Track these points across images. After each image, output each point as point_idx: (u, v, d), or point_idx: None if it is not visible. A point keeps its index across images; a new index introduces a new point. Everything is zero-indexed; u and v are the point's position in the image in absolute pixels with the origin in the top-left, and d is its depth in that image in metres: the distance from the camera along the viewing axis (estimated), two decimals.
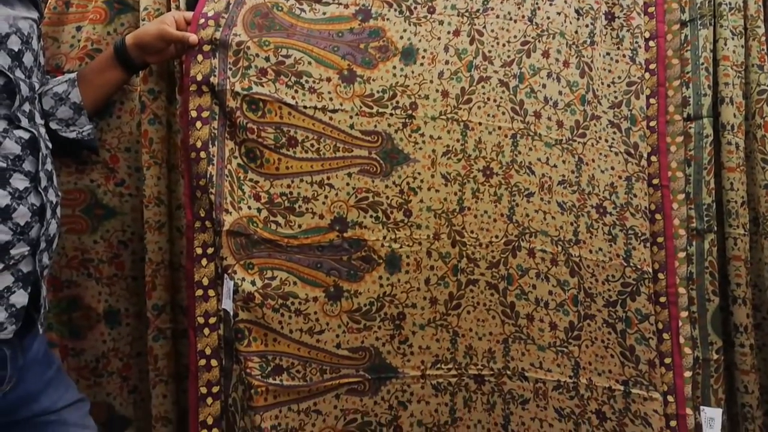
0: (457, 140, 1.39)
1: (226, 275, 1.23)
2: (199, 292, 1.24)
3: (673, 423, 1.39)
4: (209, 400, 1.24)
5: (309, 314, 1.28)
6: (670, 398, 1.39)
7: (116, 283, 1.37)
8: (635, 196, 1.42)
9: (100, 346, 1.37)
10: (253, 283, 1.23)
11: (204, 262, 1.25)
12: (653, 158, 1.45)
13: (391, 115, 1.34)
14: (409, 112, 1.35)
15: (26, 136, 0.96)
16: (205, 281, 1.24)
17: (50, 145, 1.04)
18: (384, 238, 1.34)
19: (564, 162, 1.43)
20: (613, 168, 1.44)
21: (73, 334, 1.37)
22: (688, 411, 1.39)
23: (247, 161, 1.26)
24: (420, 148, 1.36)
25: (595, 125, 1.45)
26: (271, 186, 1.27)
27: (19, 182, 0.94)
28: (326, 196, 1.31)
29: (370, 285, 1.34)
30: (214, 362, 1.24)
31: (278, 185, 1.28)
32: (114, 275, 1.37)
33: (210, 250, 1.24)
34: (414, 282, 1.37)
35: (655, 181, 1.45)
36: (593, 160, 1.44)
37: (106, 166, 1.37)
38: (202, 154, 1.22)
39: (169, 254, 1.37)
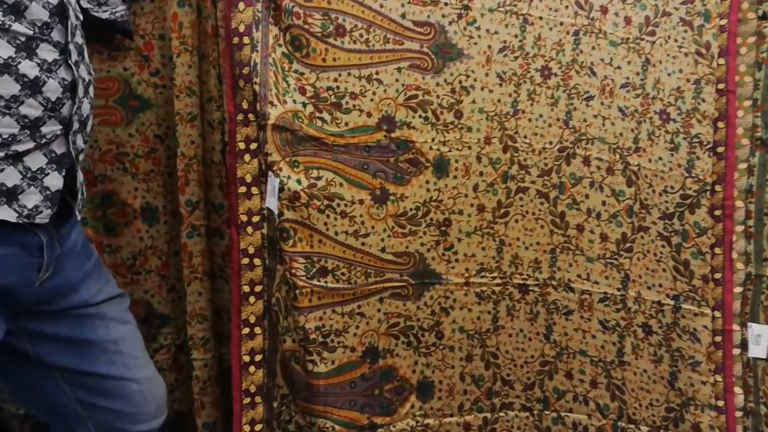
0: (515, 36, 1.29)
1: (270, 172, 1.16)
2: (242, 189, 1.18)
3: (718, 338, 1.36)
4: (252, 299, 1.22)
5: (355, 217, 1.23)
6: (717, 313, 1.35)
7: (153, 179, 1.32)
8: (704, 101, 1.33)
9: (137, 243, 1.33)
10: (299, 181, 1.17)
11: (247, 158, 1.18)
12: (720, 60, 1.34)
13: (446, 4, 1.24)
14: (465, 2, 1.25)
15: (54, 0, 0.87)
16: (248, 178, 1.18)
17: (81, 17, 0.96)
18: (432, 140, 1.27)
19: (629, 63, 1.33)
20: (681, 70, 1.33)
21: (108, 231, 1.33)
22: (735, 327, 1.36)
23: (292, 50, 1.17)
24: (475, 43, 1.27)
25: (665, 22, 1.33)
26: (317, 79, 1.19)
27: (48, 53, 0.85)
28: (374, 93, 1.22)
29: (417, 189, 1.28)
30: (257, 261, 1.21)
31: (324, 78, 1.19)
32: (151, 171, 1.32)
33: (253, 146, 1.18)
34: (462, 188, 1.31)
35: (721, 86, 1.34)
36: (660, 62, 1.33)
37: (141, 53, 1.28)
38: (245, 39, 1.13)
39: (201, 149, 1.31)
